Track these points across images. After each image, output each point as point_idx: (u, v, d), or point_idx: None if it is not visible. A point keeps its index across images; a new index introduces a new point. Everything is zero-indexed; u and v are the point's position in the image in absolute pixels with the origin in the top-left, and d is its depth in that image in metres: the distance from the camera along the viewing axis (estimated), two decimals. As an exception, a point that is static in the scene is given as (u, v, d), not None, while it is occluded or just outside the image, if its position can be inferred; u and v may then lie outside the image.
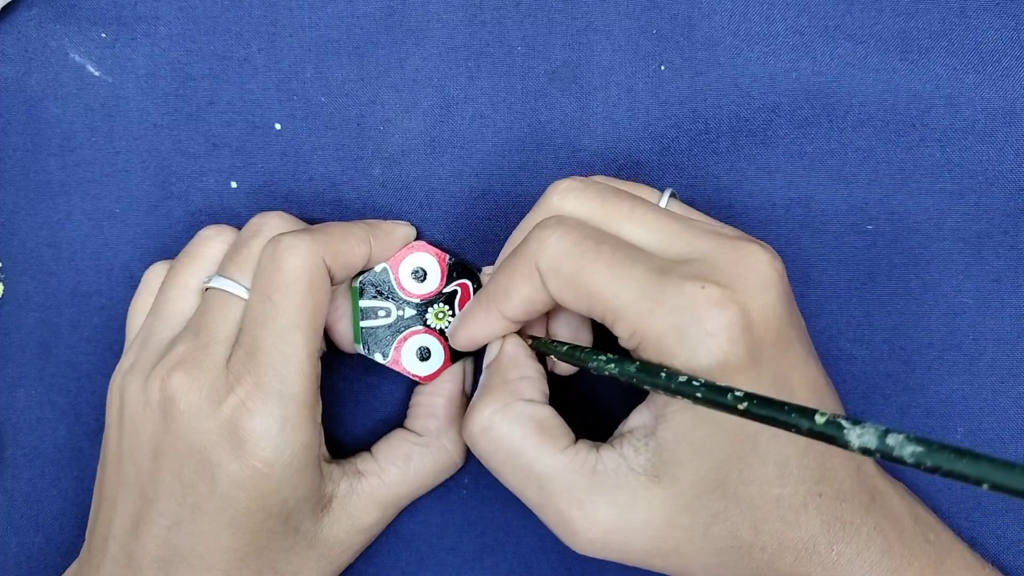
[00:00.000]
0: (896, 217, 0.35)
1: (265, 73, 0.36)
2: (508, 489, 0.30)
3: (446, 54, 0.36)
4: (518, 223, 0.36)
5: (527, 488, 0.29)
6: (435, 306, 0.34)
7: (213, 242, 0.33)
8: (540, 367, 0.32)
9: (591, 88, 0.36)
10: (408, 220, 0.36)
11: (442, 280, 0.34)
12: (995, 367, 0.35)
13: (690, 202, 0.35)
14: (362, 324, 0.33)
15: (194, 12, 0.36)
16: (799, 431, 0.21)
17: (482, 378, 0.32)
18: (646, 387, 0.26)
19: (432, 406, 0.34)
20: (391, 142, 0.36)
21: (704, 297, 0.26)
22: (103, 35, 0.36)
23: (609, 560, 0.28)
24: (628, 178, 0.35)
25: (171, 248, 0.36)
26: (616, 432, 0.30)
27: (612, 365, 0.28)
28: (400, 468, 0.34)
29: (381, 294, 0.34)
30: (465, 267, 0.35)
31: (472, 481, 0.36)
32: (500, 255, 0.33)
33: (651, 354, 0.27)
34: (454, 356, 0.35)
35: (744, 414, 0.22)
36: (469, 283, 0.35)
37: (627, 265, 0.27)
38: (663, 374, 0.26)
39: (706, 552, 0.28)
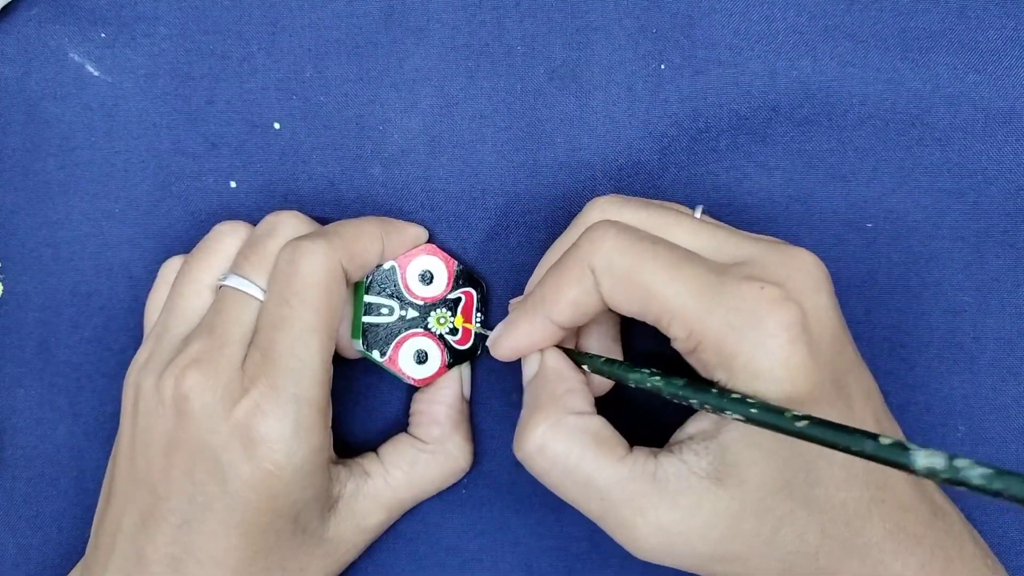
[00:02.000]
0: (895, 216, 0.35)
1: (264, 73, 0.36)
2: (565, 501, 0.29)
3: (446, 54, 0.36)
4: (518, 223, 0.36)
5: (589, 501, 0.28)
6: (438, 310, 0.34)
7: (228, 238, 0.33)
8: (583, 377, 0.31)
9: (591, 87, 0.36)
10: (408, 220, 0.36)
11: (448, 285, 0.34)
12: (996, 366, 0.35)
13: (690, 201, 0.35)
14: (364, 319, 0.33)
15: (193, 12, 0.36)
16: (861, 454, 0.21)
17: (526, 396, 0.31)
18: (693, 404, 0.26)
19: (434, 414, 0.35)
20: (391, 141, 0.36)
21: (763, 296, 0.26)
22: (103, 35, 0.36)
23: (672, 567, 0.28)
24: (628, 177, 0.36)
25: (171, 248, 0.36)
26: (673, 438, 0.29)
27: (657, 380, 0.27)
28: (405, 472, 0.34)
29: (386, 291, 0.34)
30: (472, 276, 0.35)
31: (472, 481, 0.36)
32: (533, 276, 0.32)
33: (709, 355, 0.27)
34: (450, 364, 0.35)
35: (800, 435, 0.22)
36: (474, 292, 0.35)
37: (684, 265, 0.27)
38: (714, 391, 0.25)
39: (771, 557, 0.27)
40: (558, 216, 0.36)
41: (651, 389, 0.28)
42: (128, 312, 0.36)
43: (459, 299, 0.35)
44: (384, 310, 0.34)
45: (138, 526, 0.30)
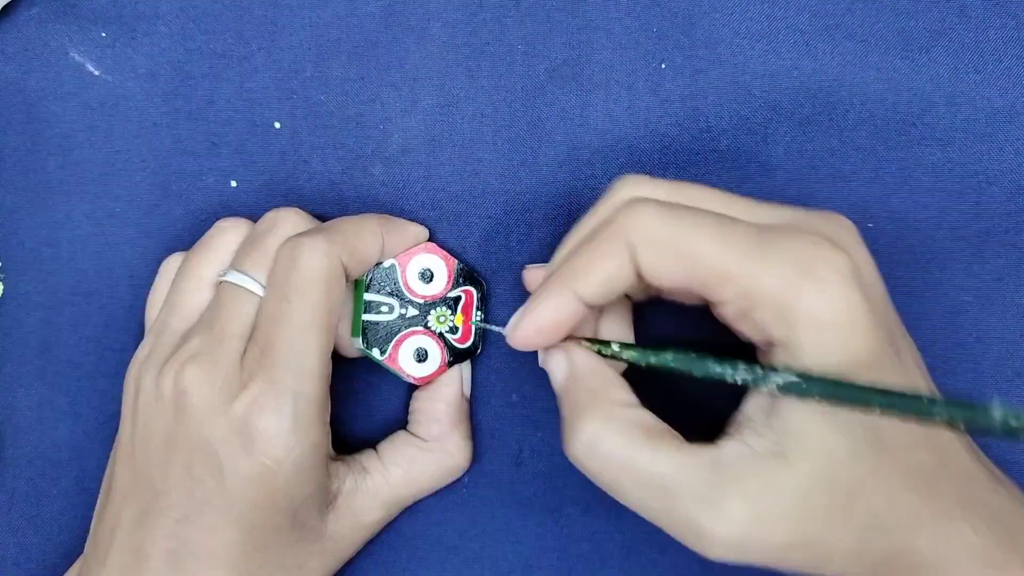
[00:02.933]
0: (896, 216, 0.35)
1: (265, 72, 0.36)
2: (627, 508, 0.28)
3: (446, 52, 0.36)
4: (518, 221, 0.36)
5: (649, 499, 0.27)
6: (438, 309, 0.34)
7: (228, 234, 0.33)
8: (619, 371, 0.30)
9: (591, 86, 0.36)
10: (409, 219, 0.36)
11: (448, 284, 0.35)
12: (999, 366, 0.35)
13: (691, 201, 0.35)
14: (364, 317, 0.33)
15: (194, 11, 0.36)
16: (932, 421, 0.20)
17: (564, 400, 0.30)
18: (736, 380, 0.25)
19: (434, 412, 0.35)
20: (391, 140, 0.36)
21: (815, 247, 0.26)
22: (103, 34, 0.36)
23: (750, 564, 0.26)
24: (628, 176, 0.36)
25: (172, 247, 0.36)
26: (730, 422, 0.28)
27: (695, 367, 0.27)
28: (404, 470, 0.34)
29: (386, 290, 0.34)
30: (472, 275, 0.35)
31: (472, 481, 0.36)
32: (557, 255, 0.31)
33: (767, 313, 0.26)
34: (450, 362, 0.35)
35: (862, 406, 0.22)
36: (474, 291, 0.35)
37: (729, 228, 0.27)
38: (764, 374, 0.25)
39: (846, 536, 0.26)
40: (558, 215, 0.36)
41: (685, 372, 0.27)
42: (129, 312, 0.36)
43: (459, 297, 0.35)
44: (384, 308, 0.34)
45: (137, 521, 0.30)
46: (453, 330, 0.35)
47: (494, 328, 0.34)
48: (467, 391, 0.35)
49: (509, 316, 0.35)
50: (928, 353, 0.35)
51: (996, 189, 0.35)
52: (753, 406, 0.27)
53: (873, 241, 0.35)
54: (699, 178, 0.36)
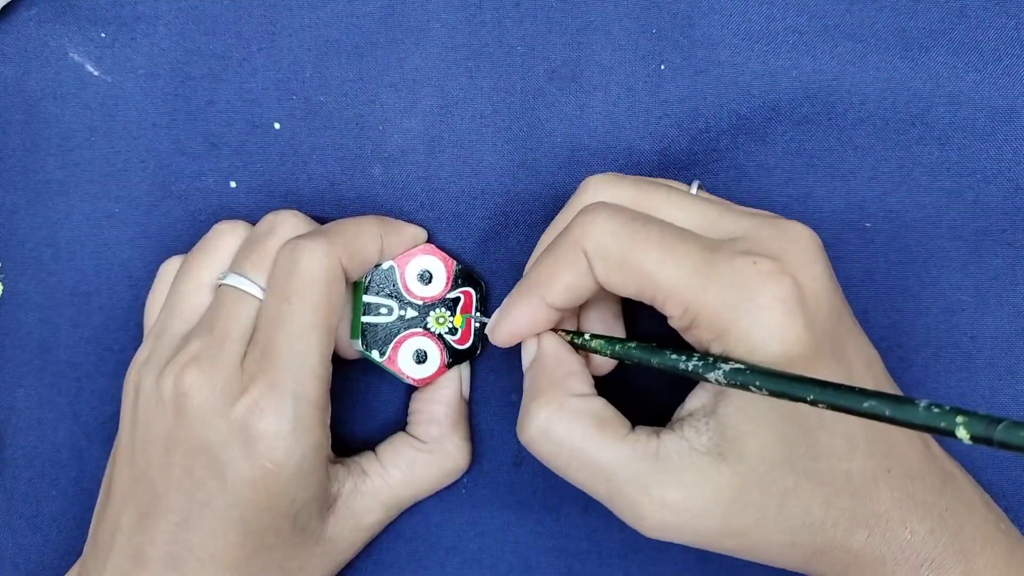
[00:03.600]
0: (894, 215, 0.35)
1: (264, 73, 0.36)
2: (563, 478, 0.29)
3: (445, 54, 0.36)
4: (518, 222, 0.36)
5: (595, 483, 0.28)
6: (437, 310, 0.34)
7: (227, 237, 0.33)
8: (582, 360, 0.31)
9: (591, 87, 0.36)
10: (408, 220, 0.36)
11: (447, 285, 0.35)
12: (993, 365, 0.35)
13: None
14: (363, 319, 0.33)
15: (193, 12, 0.36)
16: (863, 415, 0.21)
17: (526, 381, 0.31)
18: (695, 377, 0.26)
19: (433, 412, 0.35)
20: (390, 141, 0.36)
21: (756, 271, 0.26)
22: (103, 35, 0.36)
23: (682, 543, 0.28)
24: (628, 177, 0.36)
25: (171, 248, 0.36)
26: (675, 416, 0.29)
27: (654, 357, 0.28)
28: (403, 471, 0.34)
29: (385, 291, 0.34)
30: (470, 276, 0.35)
31: (472, 481, 0.36)
32: (533, 255, 0.32)
33: (704, 332, 0.27)
34: (449, 363, 0.35)
35: (804, 401, 0.22)
36: (473, 292, 0.35)
37: (677, 244, 0.27)
38: (713, 361, 0.26)
39: (779, 530, 0.27)
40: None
41: (646, 362, 0.28)
42: (128, 312, 0.36)
43: (458, 299, 0.35)
44: (383, 310, 0.34)
45: (137, 524, 0.30)
46: (452, 331, 0.35)
47: (486, 321, 0.35)
48: (466, 392, 0.36)
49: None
50: (922, 353, 0.35)
51: (994, 188, 0.35)
52: (695, 403, 0.29)
53: (871, 240, 0.35)
54: (698, 179, 0.36)
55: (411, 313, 0.34)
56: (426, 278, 0.34)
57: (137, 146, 0.36)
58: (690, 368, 0.26)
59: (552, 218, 0.36)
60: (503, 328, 0.31)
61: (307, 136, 0.36)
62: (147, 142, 0.36)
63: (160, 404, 0.30)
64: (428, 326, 0.34)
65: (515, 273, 0.36)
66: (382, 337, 0.34)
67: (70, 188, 0.36)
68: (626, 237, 0.28)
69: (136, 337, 0.36)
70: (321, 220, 0.34)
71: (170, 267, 0.34)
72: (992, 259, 0.35)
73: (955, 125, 0.35)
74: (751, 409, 0.27)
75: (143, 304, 0.35)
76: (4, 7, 0.36)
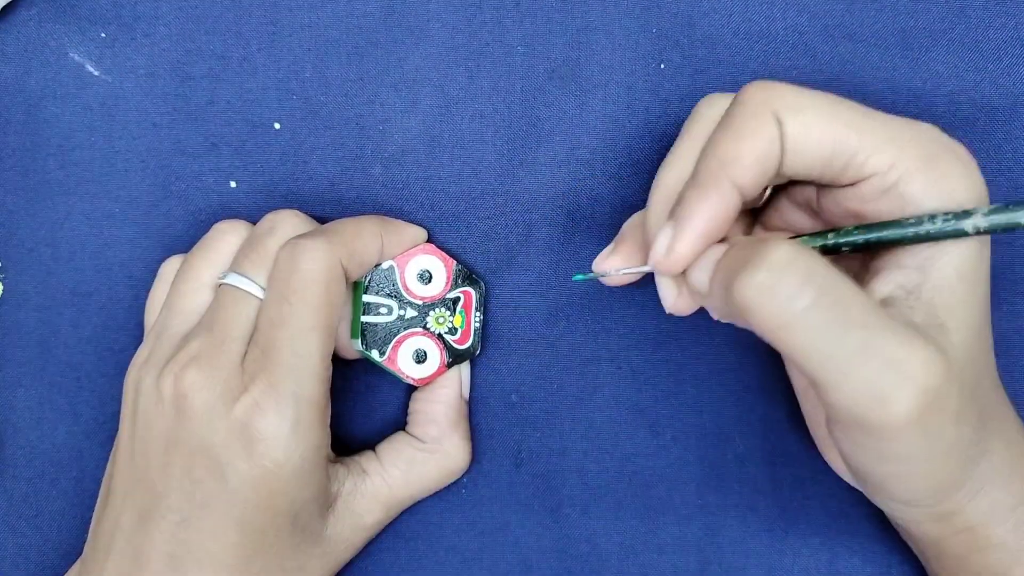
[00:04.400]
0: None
1: (264, 72, 0.36)
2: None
3: (446, 53, 0.36)
4: (518, 222, 0.36)
5: (845, 333, 0.23)
6: (437, 310, 0.34)
7: (227, 236, 0.33)
8: None
9: (591, 87, 0.36)
10: (408, 220, 0.36)
11: (447, 285, 0.35)
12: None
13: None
14: (363, 319, 0.33)
15: (194, 12, 0.36)
16: None
17: (730, 253, 0.26)
18: (943, 236, 0.26)
19: (432, 412, 0.35)
20: (391, 141, 0.36)
21: (941, 135, 0.27)
22: (103, 35, 0.36)
23: (912, 445, 0.25)
24: (628, 176, 0.36)
25: (171, 248, 0.36)
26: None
27: (885, 231, 0.26)
28: (403, 471, 0.34)
29: (385, 291, 0.34)
30: (470, 276, 0.35)
31: (472, 481, 0.36)
32: (656, 187, 0.29)
33: (914, 187, 0.26)
34: (449, 363, 0.35)
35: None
36: (473, 292, 0.35)
37: (868, 108, 0.27)
38: (960, 213, 0.25)
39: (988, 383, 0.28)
40: (558, 215, 0.36)
41: (876, 241, 0.26)
42: (128, 312, 0.36)
43: (458, 298, 0.35)
44: (383, 310, 0.34)
45: (137, 524, 0.30)
46: (452, 331, 0.35)
47: (631, 270, 0.30)
48: (466, 392, 0.36)
49: (509, 317, 0.36)
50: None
51: (995, 188, 0.35)
52: (890, 287, 0.26)
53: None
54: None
55: (411, 313, 0.34)
56: (426, 278, 0.34)
57: (137, 146, 0.36)
58: (938, 226, 0.26)
59: (552, 217, 0.36)
60: (689, 234, 0.26)
61: (307, 136, 0.36)
62: (147, 142, 0.36)
63: (160, 404, 0.30)
64: (428, 326, 0.34)
65: (514, 273, 0.36)
66: (382, 337, 0.34)
67: (70, 188, 0.36)
68: (821, 97, 0.26)
69: (136, 337, 0.36)
70: (321, 220, 0.34)
71: (170, 267, 0.34)
72: (992, 258, 0.35)
73: (955, 125, 0.35)
74: (957, 288, 0.26)
75: (143, 304, 0.35)
76: (4, 7, 0.36)
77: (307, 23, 0.36)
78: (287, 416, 0.29)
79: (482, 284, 0.35)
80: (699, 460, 0.36)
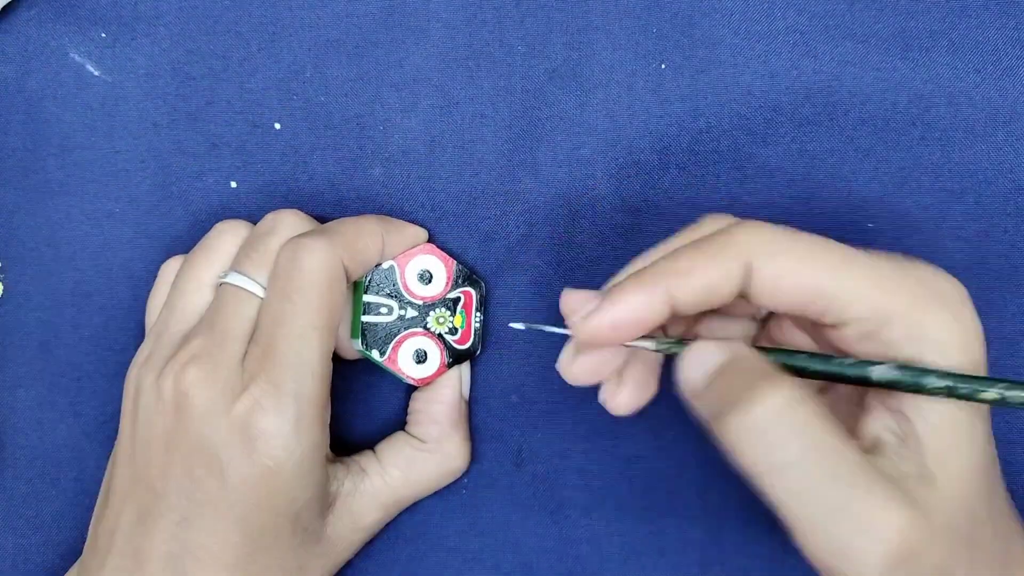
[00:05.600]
0: (896, 216, 0.35)
1: (265, 72, 0.36)
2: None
3: (446, 53, 0.36)
4: (518, 222, 0.36)
5: (827, 484, 0.24)
6: (437, 310, 0.34)
7: (227, 236, 0.33)
8: None
9: (591, 87, 0.36)
10: (408, 220, 0.36)
11: (447, 285, 0.35)
12: (996, 367, 0.35)
13: (691, 201, 0.35)
14: (363, 319, 0.33)
15: (194, 12, 0.36)
16: None
17: (718, 382, 0.26)
18: (906, 389, 0.25)
19: (433, 412, 0.35)
20: (391, 141, 0.36)
21: (935, 275, 0.26)
22: (103, 35, 0.36)
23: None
24: (628, 177, 0.36)
25: (171, 248, 0.36)
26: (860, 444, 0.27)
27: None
28: (403, 471, 0.34)
29: (385, 291, 0.34)
30: (471, 276, 0.35)
31: (472, 482, 0.36)
32: (641, 260, 0.29)
33: (896, 333, 0.25)
34: (449, 363, 0.35)
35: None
36: (473, 292, 0.35)
37: (852, 251, 0.26)
38: (923, 370, 0.25)
39: (981, 566, 0.25)
40: (558, 216, 0.36)
41: (831, 375, 0.26)
42: (128, 312, 0.36)
43: (458, 298, 0.35)
44: (383, 310, 0.34)
45: (136, 524, 0.30)
46: (452, 331, 0.35)
47: (550, 329, 0.30)
48: (466, 392, 0.35)
49: (509, 317, 0.36)
50: (928, 354, 0.35)
51: (995, 189, 0.35)
52: (880, 429, 0.26)
53: (872, 241, 0.35)
54: (698, 178, 0.36)
55: (411, 313, 0.34)
56: (426, 278, 0.34)
57: (137, 146, 0.36)
58: (884, 380, 0.25)
59: (552, 218, 0.36)
60: (603, 315, 0.26)
61: (307, 136, 0.36)
62: (147, 142, 0.36)
63: (160, 403, 0.30)
64: (428, 326, 0.34)
65: (515, 273, 0.36)
66: (382, 337, 0.34)
67: (70, 188, 0.36)
68: (801, 241, 0.26)
69: (136, 337, 0.36)
70: (321, 220, 0.34)
71: (171, 267, 0.34)
72: (995, 260, 0.35)
73: (956, 125, 0.35)
74: (958, 426, 0.25)
75: (143, 304, 0.35)
76: (4, 7, 0.36)
77: (307, 23, 0.36)
78: (288, 415, 0.29)
79: (482, 284, 0.35)
80: (701, 461, 0.36)
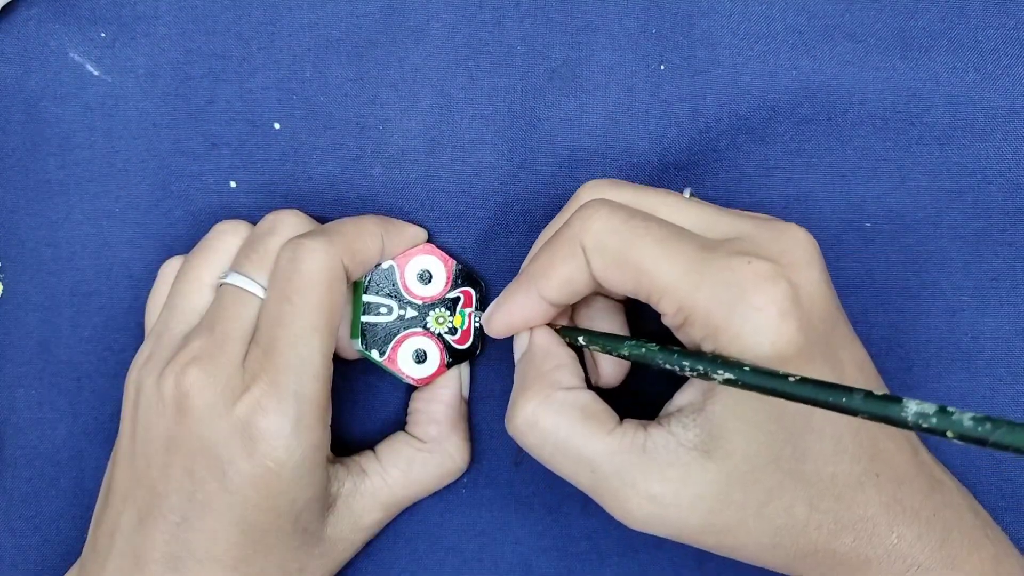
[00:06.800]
0: (894, 215, 0.35)
1: (264, 72, 0.36)
2: (559, 476, 0.30)
3: (445, 53, 0.36)
4: (518, 222, 0.36)
5: (580, 475, 0.29)
6: (437, 310, 0.34)
7: (227, 237, 0.33)
8: (573, 353, 0.32)
9: (590, 87, 0.36)
10: (408, 220, 0.36)
11: (447, 285, 0.35)
12: (993, 365, 0.35)
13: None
14: (363, 319, 0.33)
15: (193, 12, 0.36)
16: (850, 410, 0.21)
17: (516, 374, 0.31)
18: (684, 371, 0.26)
19: (432, 412, 0.35)
20: (390, 141, 0.36)
21: (752, 271, 0.26)
22: (103, 35, 0.36)
23: (666, 537, 0.28)
24: (627, 177, 0.36)
25: (171, 248, 0.36)
26: (663, 411, 0.30)
27: (649, 348, 0.28)
28: (403, 471, 0.34)
29: (385, 291, 0.34)
30: (470, 275, 0.35)
31: (472, 481, 0.36)
32: (530, 253, 0.33)
33: (697, 330, 0.27)
34: (449, 363, 0.35)
35: (794, 398, 0.22)
36: (472, 291, 0.35)
37: (674, 242, 0.27)
38: (706, 359, 0.26)
39: (761, 531, 0.27)
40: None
41: (644, 359, 0.28)
42: (128, 312, 0.36)
43: (458, 298, 0.35)
44: (383, 310, 0.34)
45: (137, 525, 0.30)
46: (452, 331, 0.35)
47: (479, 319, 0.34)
48: (466, 392, 0.36)
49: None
50: (923, 353, 0.35)
51: (994, 188, 0.35)
52: (684, 399, 0.29)
53: (871, 240, 0.35)
54: (698, 178, 0.36)
55: (411, 313, 0.34)
56: (426, 278, 0.34)
57: (137, 146, 0.36)
58: (688, 371, 0.26)
59: (552, 217, 0.36)
60: (497, 319, 0.31)
61: (307, 136, 0.36)
62: (147, 142, 0.36)
63: (161, 404, 0.30)
64: (428, 326, 0.34)
65: (514, 273, 0.36)
66: (382, 337, 0.34)
67: (70, 188, 0.36)
68: (625, 233, 0.28)
69: (136, 337, 0.36)
70: (321, 220, 0.34)
71: (171, 267, 0.34)
72: (992, 259, 0.35)
73: (955, 125, 0.35)
74: (739, 407, 0.27)
75: (143, 304, 0.35)
76: (4, 7, 0.36)
77: (307, 23, 0.36)
78: (288, 415, 0.29)
79: (482, 284, 0.35)
80: (699, 460, 0.36)
